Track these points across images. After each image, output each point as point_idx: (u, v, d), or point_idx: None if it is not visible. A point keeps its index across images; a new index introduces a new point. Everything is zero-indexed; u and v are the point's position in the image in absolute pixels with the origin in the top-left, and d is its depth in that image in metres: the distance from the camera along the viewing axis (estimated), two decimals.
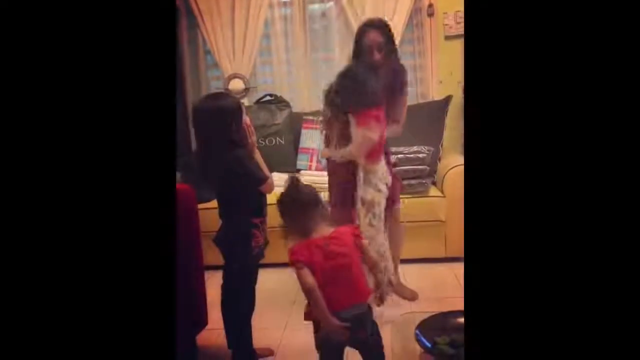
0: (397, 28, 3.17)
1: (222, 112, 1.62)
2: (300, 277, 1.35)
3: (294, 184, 1.49)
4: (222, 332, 1.87)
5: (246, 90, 3.35)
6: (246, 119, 1.69)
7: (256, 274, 1.79)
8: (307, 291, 1.35)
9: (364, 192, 2.02)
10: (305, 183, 1.51)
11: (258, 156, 1.73)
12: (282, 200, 1.47)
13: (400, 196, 2.28)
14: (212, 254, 1.87)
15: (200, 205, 1.95)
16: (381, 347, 1.45)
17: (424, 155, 2.69)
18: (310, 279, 1.34)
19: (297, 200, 1.44)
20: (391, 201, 2.14)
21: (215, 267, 1.85)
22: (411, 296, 2.27)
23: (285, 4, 3.34)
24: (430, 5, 3.19)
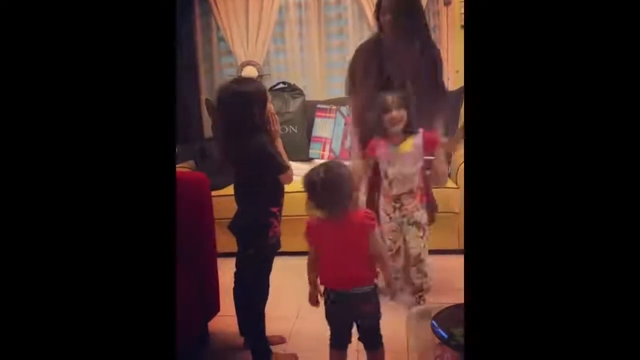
0: None
1: (247, 96, 1.62)
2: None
3: (331, 170, 1.45)
4: (234, 319, 1.87)
5: (259, 77, 3.33)
6: (270, 107, 1.69)
7: (271, 263, 1.79)
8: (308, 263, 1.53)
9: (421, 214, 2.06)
10: (340, 170, 1.46)
11: (280, 145, 1.73)
12: (316, 183, 1.43)
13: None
14: (225, 241, 1.86)
15: (214, 192, 1.94)
16: (378, 322, 1.52)
17: None
18: (311, 255, 1.52)
19: (330, 189, 1.42)
20: None
21: (228, 254, 1.84)
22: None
23: None
24: None
